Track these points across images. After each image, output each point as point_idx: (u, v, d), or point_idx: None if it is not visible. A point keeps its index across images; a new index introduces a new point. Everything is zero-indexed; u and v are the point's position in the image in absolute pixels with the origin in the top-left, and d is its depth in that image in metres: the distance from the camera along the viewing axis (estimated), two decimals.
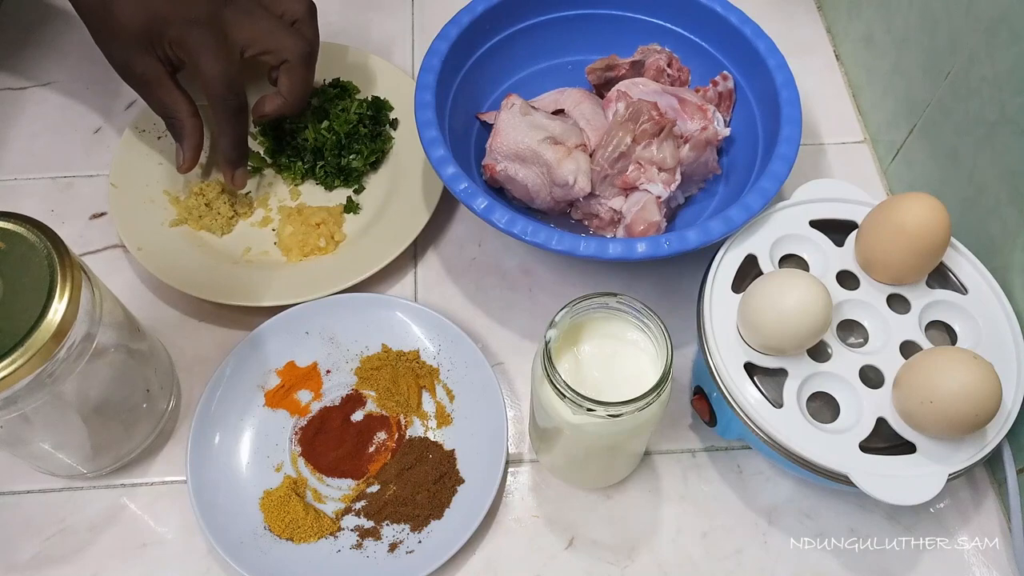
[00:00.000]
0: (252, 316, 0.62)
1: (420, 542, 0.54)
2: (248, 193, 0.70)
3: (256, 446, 0.57)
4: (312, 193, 0.70)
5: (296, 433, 0.58)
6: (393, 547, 0.54)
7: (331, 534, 0.54)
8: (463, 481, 0.56)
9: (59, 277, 0.44)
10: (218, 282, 0.63)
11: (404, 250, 0.64)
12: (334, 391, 0.60)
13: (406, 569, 0.53)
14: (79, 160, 0.72)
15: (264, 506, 0.55)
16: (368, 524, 0.55)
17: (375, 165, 0.71)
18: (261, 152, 0.71)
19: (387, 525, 0.55)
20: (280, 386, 0.60)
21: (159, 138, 0.71)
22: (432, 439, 0.58)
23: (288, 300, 0.61)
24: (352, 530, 0.55)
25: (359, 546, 0.54)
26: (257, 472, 0.56)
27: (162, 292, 0.65)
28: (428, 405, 0.60)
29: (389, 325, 0.61)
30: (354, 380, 0.60)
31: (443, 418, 0.59)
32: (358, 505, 0.56)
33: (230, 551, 0.52)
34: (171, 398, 0.59)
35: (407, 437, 0.58)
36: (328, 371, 0.61)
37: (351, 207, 0.69)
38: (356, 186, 0.70)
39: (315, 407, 0.59)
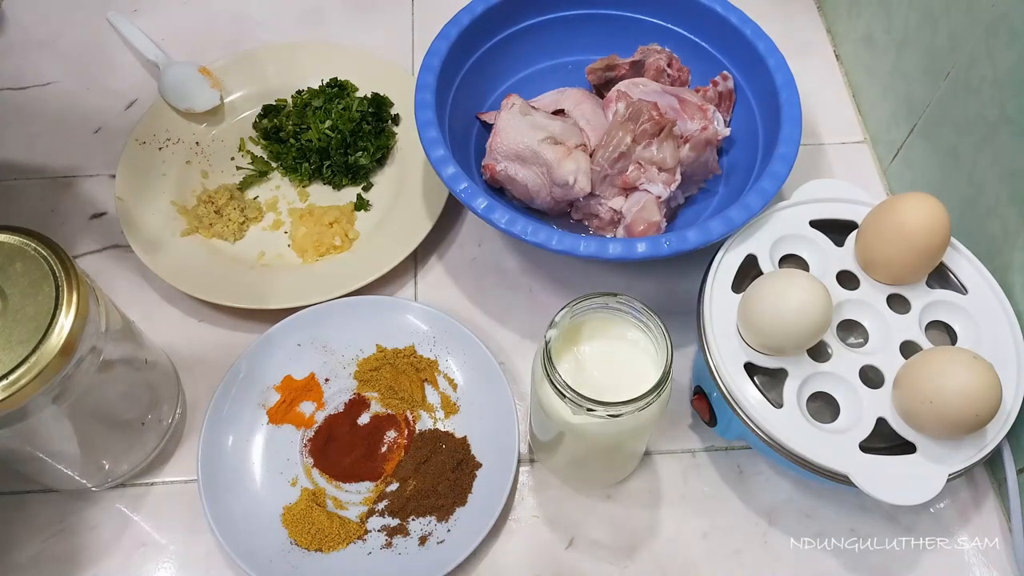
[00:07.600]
0: (257, 317, 0.62)
1: (449, 531, 0.54)
2: (256, 198, 0.70)
3: (267, 464, 0.57)
4: (320, 193, 0.70)
5: (305, 445, 0.58)
6: (423, 540, 0.54)
7: (359, 538, 0.54)
8: (480, 465, 0.56)
9: (65, 292, 0.44)
10: (238, 287, 0.63)
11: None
12: (336, 398, 0.60)
13: (441, 559, 0.53)
14: (79, 160, 0.72)
15: (286, 522, 0.55)
16: (394, 522, 0.55)
17: (381, 161, 0.71)
18: (265, 156, 0.71)
19: (413, 520, 0.55)
20: (281, 401, 0.59)
21: (160, 149, 0.71)
22: (443, 429, 0.58)
23: (309, 300, 0.61)
24: (379, 530, 0.55)
25: (389, 545, 0.54)
26: (273, 489, 0.56)
27: (163, 291, 0.65)
28: (432, 397, 0.60)
29: (378, 325, 0.61)
30: (354, 384, 0.60)
31: (449, 407, 0.59)
32: (381, 505, 0.56)
33: (262, 572, 0.52)
34: (176, 408, 0.59)
35: (417, 431, 0.58)
36: (327, 379, 0.60)
37: (362, 204, 0.69)
38: (365, 183, 0.70)
39: (320, 417, 0.59)
